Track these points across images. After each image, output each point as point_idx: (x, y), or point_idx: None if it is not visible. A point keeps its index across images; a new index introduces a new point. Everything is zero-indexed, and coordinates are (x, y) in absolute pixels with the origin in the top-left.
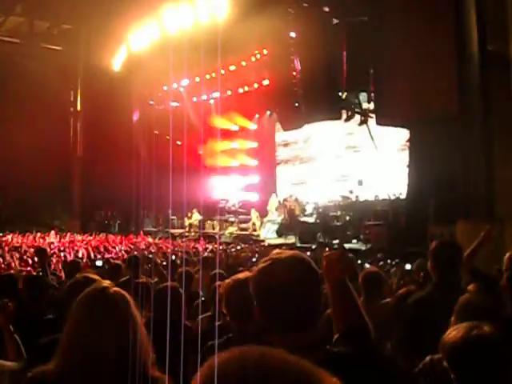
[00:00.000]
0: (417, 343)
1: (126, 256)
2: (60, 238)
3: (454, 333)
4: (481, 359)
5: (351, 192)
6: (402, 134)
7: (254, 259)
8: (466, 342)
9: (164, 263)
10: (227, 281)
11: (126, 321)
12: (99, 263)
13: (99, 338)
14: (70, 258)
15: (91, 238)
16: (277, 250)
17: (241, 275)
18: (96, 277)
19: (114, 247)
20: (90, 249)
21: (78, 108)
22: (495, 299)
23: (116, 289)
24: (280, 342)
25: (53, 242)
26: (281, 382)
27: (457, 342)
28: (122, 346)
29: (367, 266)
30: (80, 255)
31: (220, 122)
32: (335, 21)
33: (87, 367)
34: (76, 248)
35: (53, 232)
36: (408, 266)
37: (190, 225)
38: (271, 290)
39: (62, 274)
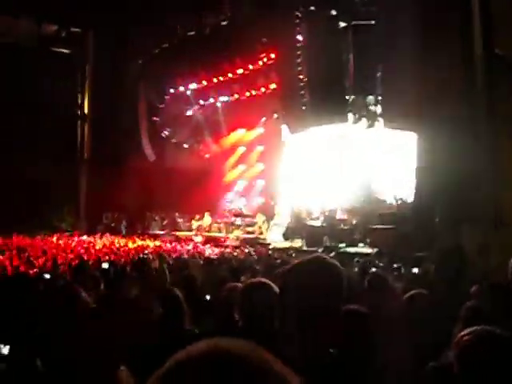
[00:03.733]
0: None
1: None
2: (67, 240)
3: (468, 332)
4: (493, 360)
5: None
6: (409, 137)
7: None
8: (480, 341)
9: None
10: (240, 285)
11: None
12: (105, 265)
13: None
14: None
15: (98, 240)
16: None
17: (256, 280)
18: None
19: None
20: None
21: (86, 111)
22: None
23: None
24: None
25: (60, 244)
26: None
27: (471, 340)
28: None
29: (373, 269)
30: (86, 258)
31: (230, 139)
32: (342, 24)
33: None
34: (83, 250)
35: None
36: (415, 270)
37: (198, 227)
38: (301, 286)
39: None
